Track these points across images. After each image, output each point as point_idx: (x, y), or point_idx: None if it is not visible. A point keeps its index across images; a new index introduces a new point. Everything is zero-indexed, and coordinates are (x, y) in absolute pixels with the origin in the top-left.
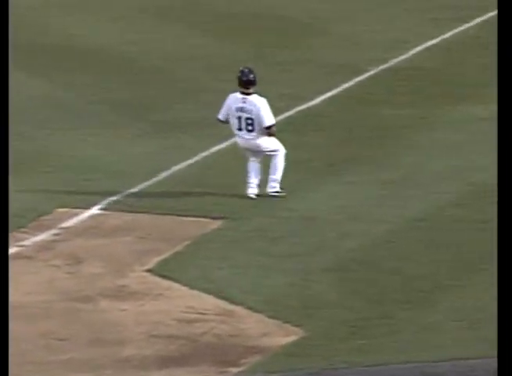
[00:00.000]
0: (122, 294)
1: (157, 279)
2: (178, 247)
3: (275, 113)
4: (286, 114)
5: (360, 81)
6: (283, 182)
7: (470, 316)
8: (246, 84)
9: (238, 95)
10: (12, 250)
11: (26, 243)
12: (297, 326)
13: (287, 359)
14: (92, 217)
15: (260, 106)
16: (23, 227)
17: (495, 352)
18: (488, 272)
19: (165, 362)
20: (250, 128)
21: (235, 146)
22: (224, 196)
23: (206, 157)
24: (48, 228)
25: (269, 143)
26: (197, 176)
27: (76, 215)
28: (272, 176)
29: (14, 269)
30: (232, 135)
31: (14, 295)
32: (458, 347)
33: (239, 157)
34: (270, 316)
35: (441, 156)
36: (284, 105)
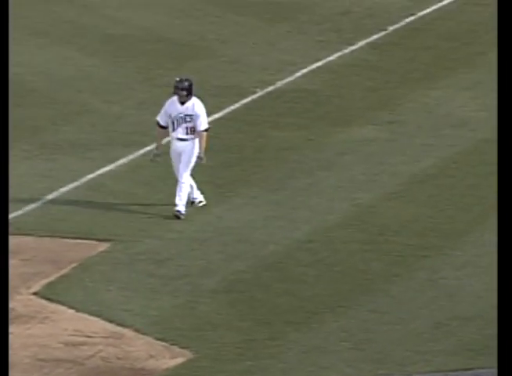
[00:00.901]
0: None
1: (44, 302)
2: (65, 270)
3: None
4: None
5: (247, 103)
6: (170, 203)
7: (356, 337)
8: None
9: None
10: None
11: None
12: (184, 348)
13: None
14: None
15: None
16: None
17: (382, 372)
18: (376, 292)
19: None
20: None
21: (121, 168)
22: (111, 218)
23: (92, 179)
24: None
25: None
26: (84, 198)
27: None
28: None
29: None
30: (118, 158)
31: None
32: (345, 367)
33: (125, 180)
34: (158, 338)
35: (328, 177)
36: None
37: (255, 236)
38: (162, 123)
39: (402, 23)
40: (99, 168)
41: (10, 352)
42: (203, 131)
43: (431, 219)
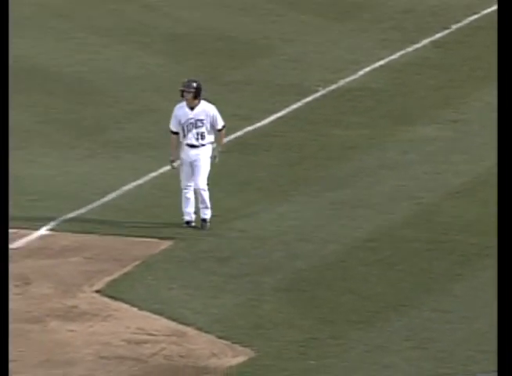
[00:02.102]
0: (71, 314)
1: (107, 300)
2: (128, 268)
3: (226, 133)
4: (236, 134)
5: (309, 102)
6: (233, 201)
7: (419, 336)
8: None
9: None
10: None
11: None
12: (246, 346)
13: None
14: (41, 238)
15: None
16: None
17: (443, 371)
18: (439, 291)
19: None
20: None
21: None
22: (174, 216)
23: (155, 177)
24: None
25: None
26: (147, 197)
27: (24, 235)
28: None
29: None
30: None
31: None
32: (407, 367)
33: None
34: (220, 337)
35: (390, 176)
36: (234, 125)
37: (317, 234)
38: (174, 129)
39: (466, 22)
40: (161, 166)
41: (73, 349)
42: (221, 129)
43: (495, 219)
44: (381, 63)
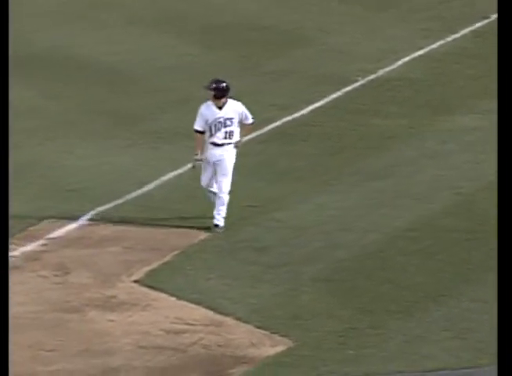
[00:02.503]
0: (110, 304)
1: (145, 289)
2: (166, 258)
3: (264, 123)
4: (275, 124)
5: (348, 92)
6: (272, 191)
7: (458, 326)
8: None
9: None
10: None
11: (14, 253)
12: (285, 336)
13: (275, 369)
14: (80, 227)
15: None
16: (12, 238)
17: (482, 362)
18: (477, 281)
19: (153, 372)
20: None
21: None
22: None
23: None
24: (37, 238)
25: None
26: (186, 187)
27: (64, 225)
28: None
29: None
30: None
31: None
32: (446, 357)
33: None
34: (258, 326)
35: (430, 165)
36: (272, 115)
37: (357, 224)
38: (199, 128)
39: None
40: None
41: (112, 339)
42: (250, 124)
43: None
44: (420, 52)
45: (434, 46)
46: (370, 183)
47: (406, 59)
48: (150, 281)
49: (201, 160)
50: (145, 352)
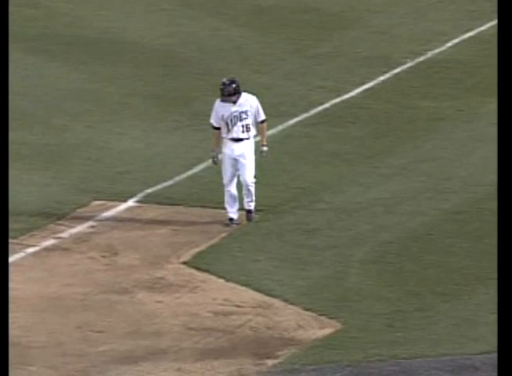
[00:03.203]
0: (158, 286)
1: (193, 271)
2: (214, 240)
3: (312, 105)
4: (323, 106)
5: (397, 74)
6: (320, 173)
7: None
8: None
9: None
10: (49, 242)
11: (63, 235)
12: (333, 318)
13: (323, 351)
14: (128, 209)
15: None
16: (60, 219)
17: None
18: None
19: (202, 354)
20: None
21: (270, 138)
22: (260, 188)
23: None
24: (85, 220)
25: None
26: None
27: (112, 207)
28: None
29: (51, 260)
30: (267, 129)
31: (51, 287)
32: (494, 339)
33: (274, 150)
34: (306, 309)
35: (479, 148)
36: (321, 97)
37: (404, 207)
38: (216, 124)
39: None
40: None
41: (160, 320)
42: (263, 121)
43: None
44: (470, 34)
45: (483, 28)
46: (418, 166)
47: (455, 40)
48: (198, 263)
49: (217, 156)
50: (193, 334)
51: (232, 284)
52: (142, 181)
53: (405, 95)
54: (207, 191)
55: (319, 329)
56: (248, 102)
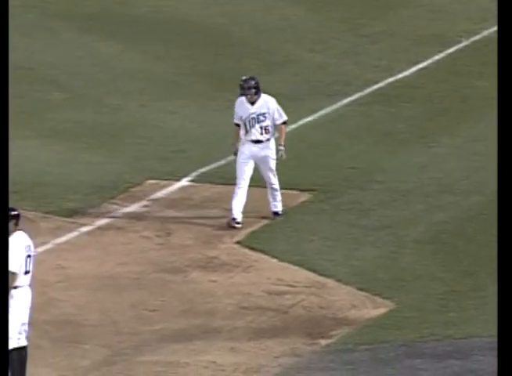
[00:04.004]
0: (212, 265)
1: (247, 251)
2: (268, 220)
3: (366, 84)
4: (376, 86)
5: (451, 53)
6: (374, 153)
7: None
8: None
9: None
10: (103, 221)
11: (116, 214)
12: (386, 298)
13: (377, 331)
14: (182, 188)
15: None
16: (114, 198)
17: None
18: None
19: (255, 333)
20: None
21: (324, 118)
22: (313, 168)
23: (295, 129)
24: (139, 199)
25: None
26: (287, 148)
27: (166, 186)
28: None
29: (105, 239)
30: (320, 108)
31: (105, 266)
32: None
33: (327, 130)
34: (360, 289)
35: None
36: (374, 77)
37: (458, 186)
38: (236, 121)
39: None
40: (301, 117)
41: (214, 299)
42: (282, 123)
43: None
44: None
45: None
46: (472, 145)
47: None
48: (252, 242)
49: (237, 150)
50: (246, 313)
51: (285, 264)
52: (195, 160)
53: (460, 75)
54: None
55: (372, 309)
56: (266, 104)
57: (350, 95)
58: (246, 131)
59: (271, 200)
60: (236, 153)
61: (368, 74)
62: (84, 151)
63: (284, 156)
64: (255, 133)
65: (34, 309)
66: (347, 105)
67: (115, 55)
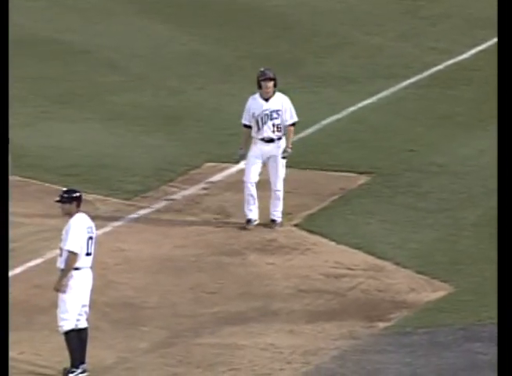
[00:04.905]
0: (270, 248)
1: (305, 233)
2: (326, 203)
3: (425, 67)
4: (435, 68)
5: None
6: (433, 135)
7: None
8: None
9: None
10: (161, 203)
11: (175, 197)
12: (445, 281)
13: (435, 314)
14: (240, 171)
15: None
16: (172, 181)
17: None
18: None
19: (313, 316)
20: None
21: (382, 101)
22: (371, 151)
23: (354, 111)
24: (197, 182)
25: None
26: (345, 131)
27: (224, 169)
28: None
29: (163, 222)
30: (379, 90)
31: (163, 248)
32: None
33: (386, 112)
34: (418, 272)
35: None
36: (432, 59)
37: None
38: (247, 123)
39: None
40: (360, 100)
41: (272, 282)
42: (291, 125)
43: None
44: None
45: None
46: None
47: None
48: (310, 225)
49: (243, 154)
50: (304, 296)
51: (343, 247)
52: None
53: None
54: (318, 154)
55: (431, 292)
56: (280, 101)
57: (409, 78)
58: (258, 129)
59: (271, 207)
60: (240, 159)
61: (426, 56)
62: (143, 134)
63: (289, 155)
64: (267, 130)
65: (94, 291)
66: (406, 87)
67: (174, 38)
